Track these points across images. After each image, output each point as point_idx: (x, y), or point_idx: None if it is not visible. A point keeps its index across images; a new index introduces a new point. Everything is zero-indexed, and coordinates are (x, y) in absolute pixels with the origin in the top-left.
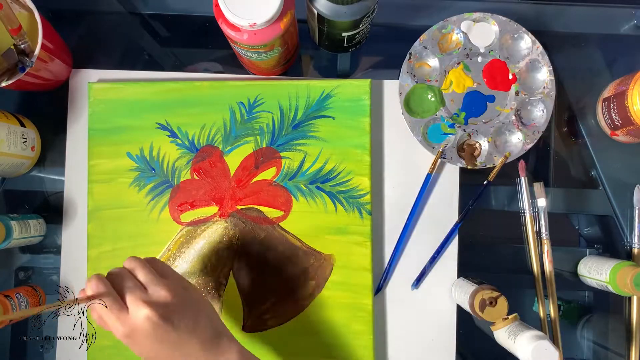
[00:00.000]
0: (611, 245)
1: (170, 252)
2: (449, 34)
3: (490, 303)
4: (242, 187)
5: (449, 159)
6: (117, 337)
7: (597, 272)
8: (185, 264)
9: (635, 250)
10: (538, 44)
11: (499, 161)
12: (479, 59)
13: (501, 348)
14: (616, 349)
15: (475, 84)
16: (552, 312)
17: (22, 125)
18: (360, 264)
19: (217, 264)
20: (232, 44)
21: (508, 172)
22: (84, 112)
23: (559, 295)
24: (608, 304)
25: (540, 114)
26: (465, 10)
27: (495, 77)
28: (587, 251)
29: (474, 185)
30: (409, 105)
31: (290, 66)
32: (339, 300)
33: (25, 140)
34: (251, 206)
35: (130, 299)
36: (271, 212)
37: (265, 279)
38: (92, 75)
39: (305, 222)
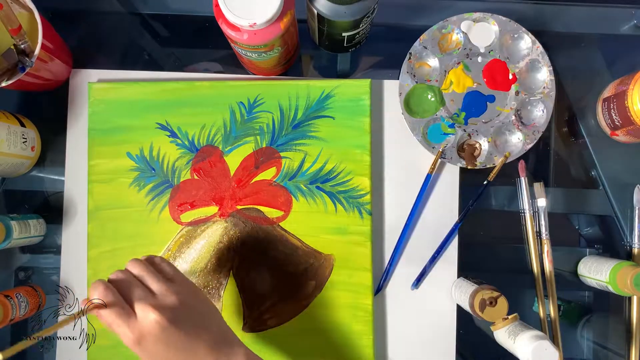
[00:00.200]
0: (611, 245)
1: (170, 252)
2: (449, 34)
3: (490, 303)
4: (242, 187)
5: (449, 159)
6: (126, 345)
7: (597, 272)
8: (185, 264)
9: (635, 250)
10: (538, 44)
11: (499, 161)
12: (479, 59)
13: (501, 348)
14: (616, 349)
15: (475, 84)
16: (552, 312)
17: (22, 125)
18: (360, 264)
19: (217, 264)
20: (232, 44)
21: (508, 172)
22: (84, 112)
23: (559, 295)
24: (608, 304)
25: (540, 114)
26: (465, 10)
27: (495, 77)
28: (587, 251)
29: (474, 185)
30: (409, 105)
31: (290, 66)
32: (339, 300)
33: (25, 140)
34: (251, 206)
35: (138, 305)
36: (271, 212)
37: (265, 279)
38: (92, 75)
39: (305, 222)
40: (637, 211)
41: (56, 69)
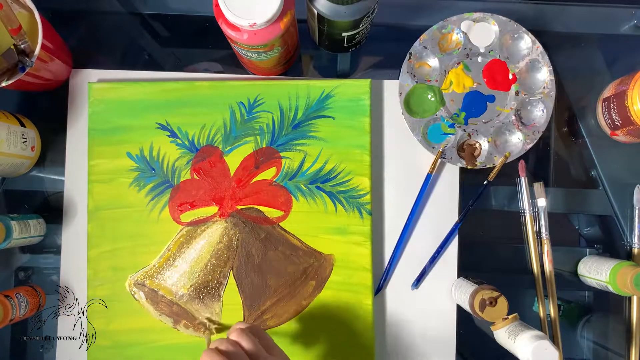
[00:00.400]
0: (611, 245)
1: (170, 252)
2: (449, 34)
3: (490, 303)
4: (242, 187)
5: (449, 159)
6: None
7: (597, 272)
8: (185, 264)
9: (635, 250)
10: (538, 44)
11: (499, 161)
12: (479, 59)
13: (501, 348)
14: (616, 349)
15: (475, 84)
16: (552, 312)
17: (22, 125)
18: (360, 264)
19: (217, 264)
20: (232, 44)
21: (508, 172)
22: (84, 112)
23: (559, 295)
24: (608, 304)
25: (540, 114)
26: (465, 10)
27: (495, 77)
28: (587, 251)
29: (474, 185)
30: (409, 105)
31: (290, 66)
32: (339, 300)
33: (25, 140)
34: (251, 206)
35: None
36: (271, 212)
37: (265, 278)
38: (92, 75)
39: (305, 222)
40: (637, 211)
41: (56, 69)
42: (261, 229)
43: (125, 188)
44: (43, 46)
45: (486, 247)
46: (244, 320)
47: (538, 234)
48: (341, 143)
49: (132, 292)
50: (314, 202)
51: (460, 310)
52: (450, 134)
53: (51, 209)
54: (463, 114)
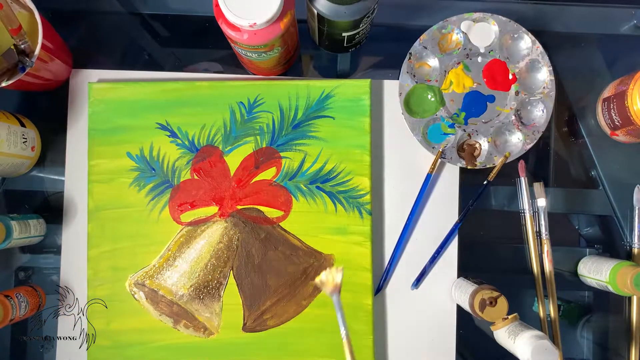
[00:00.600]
0: (611, 245)
1: (170, 252)
2: (449, 34)
3: (490, 303)
4: (242, 187)
5: (449, 159)
6: None
7: (597, 272)
8: (185, 264)
9: (635, 250)
10: (538, 44)
11: (499, 161)
12: (479, 59)
13: (501, 348)
14: (616, 349)
15: (475, 84)
16: (552, 312)
17: (22, 125)
18: (360, 264)
19: (217, 264)
20: (232, 44)
21: (508, 172)
22: (84, 112)
23: (559, 295)
24: (608, 304)
25: (540, 114)
26: (465, 10)
27: (495, 77)
28: (587, 251)
29: (474, 185)
30: (409, 105)
31: (290, 66)
32: None
33: (25, 140)
34: (251, 206)
35: None
36: (271, 212)
37: (265, 279)
38: (92, 75)
39: (305, 222)
40: (637, 211)
41: (56, 69)
42: (261, 229)
43: (125, 188)
44: (43, 46)
45: (486, 247)
46: (243, 320)
47: (538, 234)
48: (341, 143)
49: (132, 292)
50: (314, 202)
51: (460, 310)
52: (450, 134)
53: (51, 209)
54: (463, 114)
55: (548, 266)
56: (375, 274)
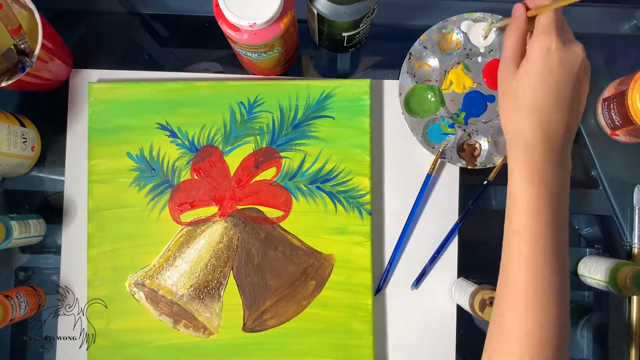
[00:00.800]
0: (611, 245)
1: (170, 252)
2: (449, 34)
3: (490, 303)
4: (242, 187)
5: (449, 159)
6: (535, 52)
7: (597, 272)
8: (185, 264)
9: (635, 250)
10: None
11: (499, 161)
12: (479, 59)
13: None
14: (616, 349)
15: (475, 84)
16: None
17: (22, 125)
18: (360, 264)
19: (217, 264)
20: (232, 44)
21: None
22: (84, 112)
23: None
24: (608, 304)
25: None
26: (465, 10)
27: (495, 77)
28: (587, 251)
29: (474, 185)
30: (409, 105)
31: (290, 66)
32: (339, 300)
33: (25, 140)
34: (251, 206)
35: (572, 38)
36: (271, 212)
37: (265, 279)
38: (92, 75)
39: (305, 222)
40: (637, 211)
41: (56, 69)
42: (261, 229)
43: (125, 188)
44: (43, 46)
45: (486, 247)
46: (243, 320)
47: None
48: (341, 143)
49: (132, 292)
50: (314, 202)
51: (460, 310)
52: (450, 134)
53: (51, 209)
54: (463, 114)
55: None
56: (375, 274)
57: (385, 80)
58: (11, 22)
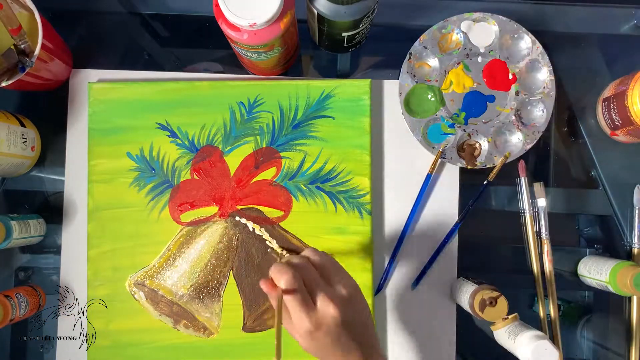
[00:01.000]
0: (611, 245)
1: (170, 252)
2: (449, 34)
3: (490, 303)
4: (242, 187)
5: (449, 159)
6: (295, 332)
7: (597, 272)
8: (185, 264)
9: (635, 250)
10: (538, 44)
11: (499, 161)
12: (479, 59)
13: (501, 348)
14: (616, 349)
15: (475, 84)
16: (552, 312)
17: (22, 125)
18: (360, 264)
19: (217, 264)
20: (232, 44)
21: (508, 172)
22: (84, 112)
23: (559, 295)
24: (608, 304)
25: (540, 114)
26: (465, 10)
27: (495, 77)
28: (587, 251)
29: (474, 185)
30: (409, 105)
31: (290, 66)
32: None
33: (25, 140)
34: (251, 206)
35: (320, 297)
36: (271, 212)
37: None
38: (92, 75)
39: (305, 222)
40: (637, 211)
41: (56, 69)
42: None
43: (125, 188)
44: (43, 46)
45: (486, 247)
46: (243, 320)
47: (538, 234)
48: (341, 143)
49: (132, 292)
50: (314, 202)
51: (460, 310)
52: (450, 134)
53: (51, 209)
54: (463, 114)
55: (548, 266)
56: (375, 274)
57: (385, 80)
58: (11, 22)
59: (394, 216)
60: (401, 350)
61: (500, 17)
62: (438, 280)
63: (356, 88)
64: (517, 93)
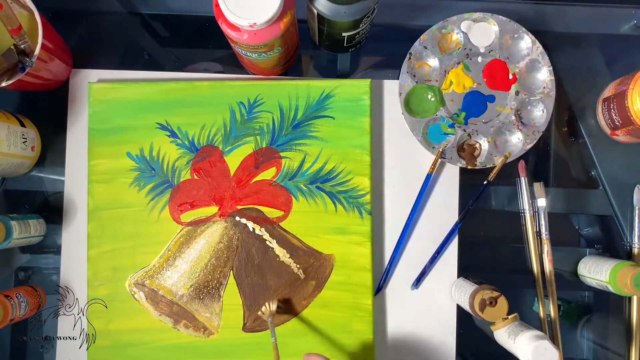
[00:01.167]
0: (611, 245)
1: (170, 252)
2: (449, 34)
3: (490, 303)
4: (242, 187)
5: (449, 159)
6: None
7: (597, 272)
8: (185, 264)
9: (635, 250)
10: (538, 44)
11: (499, 161)
12: (479, 59)
13: (501, 348)
14: (616, 349)
15: (475, 84)
16: (552, 312)
17: (22, 125)
18: (360, 264)
19: (217, 264)
20: (232, 44)
21: (508, 172)
22: (84, 112)
23: (559, 295)
24: (608, 304)
25: (540, 114)
26: (465, 10)
27: (495, 77)
28: (587, 251)
29: (474, 185)
30: (409, 105)
31: (290, 66)
32: (339, 300)
33: (25, 140)
34: (251, 206)
35: None
36: (271, 212)
37: (265, 279)
38: (92, 75)
39: (305, 222)
40: (637, 211)
41: (56, 69)
42: (261, 229)
43: (125, 188)
44: (43, 46)
45: (486, 247)
46: (243, 320)
47: (538, 234)
48: (341, 143)
49: (132, 292)
50: (314, 202)
51: (460, 310)
52: (450, 134)
53: (51, 209)
54: (463, 114)
55: (548, 266)
56: (375, 274)
57: (385, 80)
58: (11, 22)
59: (394, 216)
60: (401, 351)
61: (500, 17)
62: (438, 280)
63: (356, 88)
64: (517, 93)
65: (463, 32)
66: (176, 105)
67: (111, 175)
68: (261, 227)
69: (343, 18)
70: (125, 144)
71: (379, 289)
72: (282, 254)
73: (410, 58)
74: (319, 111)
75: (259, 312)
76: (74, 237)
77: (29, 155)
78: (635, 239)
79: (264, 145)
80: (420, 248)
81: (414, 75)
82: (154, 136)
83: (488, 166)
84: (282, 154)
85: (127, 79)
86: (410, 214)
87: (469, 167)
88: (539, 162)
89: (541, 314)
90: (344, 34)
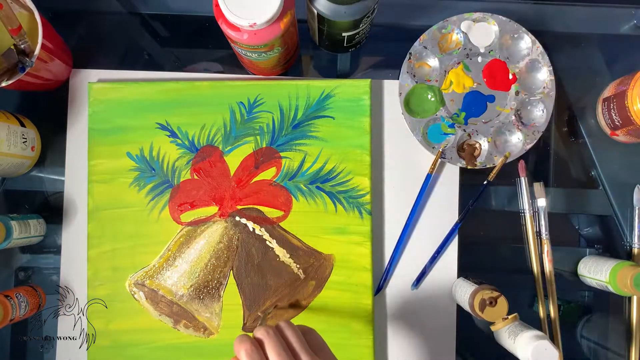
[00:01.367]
0: (611, 245)
1: (170, 252)
2: (449, 34)
3: (490, 303)
4: (242, 187)
5: (449, 159)
6: None
7: (597, 272)
8: (185, 264)
9: (635, 250)
10: (538, 44)
11: (499, 161)
12: (479, 59)
13: (501, 348)
14: (616, 349)
15: (475, 84)
16: (552, 312)
17: (22, 125)
18: (360, 264)
19: (217, 263)
20: (232, 44)
21: (508, 172)
22: (84, 112)
23: (559, 295)
24: (608, 304)
25: (540, 114)
26: (465, 10)
27: (495, 77)
28: (587, 251)
29: (474, 185)
30: (409, 105)
31: (290, 66)
32: (339, 300)
33: (25, 140)
34: (251, 206)
35: None
36: (271, 212)
37: (265, 278)
38: (92, 75)
39: (305, 222)
40: (637, 211)
41: (56, 69)
42: (261, 229)
43: (125, 188)
44: (43, 46)
45: (486, 247)
46: (243, 320)
47: (538, 234)
48: (341, 143)
49: (132, 292)
50: (314, 202)
51: (460, 310)
52: (450, 134)
53: (51, 209)
54: (463, 114)
55: (548, 266)
56: (375, 274)
57: (385, 80)
58: (11, 22)
59: (394, 216)
60: (401, 351)
61: (500, 17)
62: (438, 280)
63: (356, 88)
64: (517, 93)
65: (463, 32)
66: (176, 105)
67: (111, 175)
68: (261, 227)
69: (343, 18)
70: (125, 144)
71: (379, 289)
72: (282, 254)
73: (410, 58)
74: (319, 111)
75: (259, 313)
76: (74, 237)
77: (29, 155)
78: (635, 239)
79: (264, 145)
80: (420, 248)
81: (414, 75)
82: (154, 136)
83: (488, 166)
84: (282, 154)
85: (127, 79)
86: (410, 214)
87: (469, 167)
88: (539, 162)
89: (541, 314)
90: (344, 34)
